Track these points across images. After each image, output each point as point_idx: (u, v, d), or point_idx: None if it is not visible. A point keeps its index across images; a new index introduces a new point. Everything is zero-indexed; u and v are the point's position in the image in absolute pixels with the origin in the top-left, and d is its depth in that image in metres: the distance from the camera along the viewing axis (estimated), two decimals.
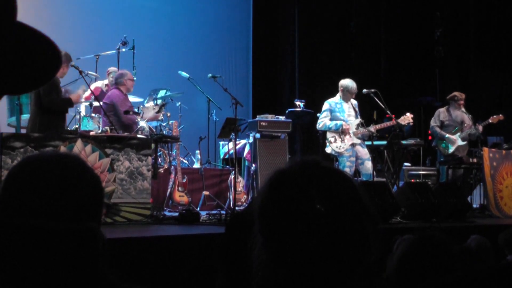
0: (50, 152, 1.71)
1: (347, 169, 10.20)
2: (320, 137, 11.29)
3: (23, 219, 1.45)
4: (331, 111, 10.48)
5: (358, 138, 10.46)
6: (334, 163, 10.52)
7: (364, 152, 10.46)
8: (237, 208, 9.59)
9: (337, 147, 10.36)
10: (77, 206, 1.55)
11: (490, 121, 11.45)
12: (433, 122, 11.68)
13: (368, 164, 10.44)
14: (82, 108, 10.32)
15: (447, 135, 11.38)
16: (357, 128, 10.42)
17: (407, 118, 10.62)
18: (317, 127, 10.66)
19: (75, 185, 1.58)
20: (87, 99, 10.35)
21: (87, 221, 1.48)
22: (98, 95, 9.97)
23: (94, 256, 1.44)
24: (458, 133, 11.36)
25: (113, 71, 10.95)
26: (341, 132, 10.37)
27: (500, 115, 11.54)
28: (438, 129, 11.51)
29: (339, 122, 10.38)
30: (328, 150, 10.52)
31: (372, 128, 10.49)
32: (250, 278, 1.59)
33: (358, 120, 10.51)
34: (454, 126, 11.47)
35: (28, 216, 1.48)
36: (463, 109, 11.51)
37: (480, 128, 11.37)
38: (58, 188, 1.55)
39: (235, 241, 2.34)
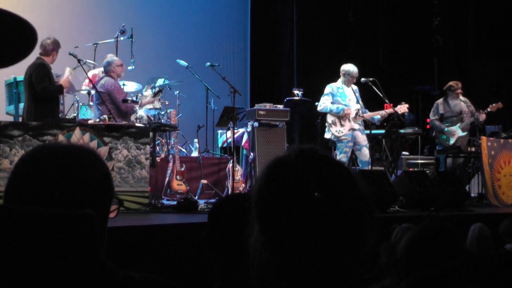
0: (64, 142, 1.72)
1: (343, 155, 10.28)
2: (318, 126, 11.30)
3: (28, 205, 1.46)
4: (333, 95, 10.50)
5: (358, 123, 10.49)
6: (332, 151, 10.56)
7: (363, 139, 10.49)
8: None
9: (336, 131, 10.38)
10: (85, 197, 1.56)
11: (489, 109, 11.41)
12: (432, 116, 11.62)
13: (365, 151, 10.46)
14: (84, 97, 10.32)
15: (446, 129, 11.32)
16: (355, 116, 10.43)
17: (402, 108, 10.64)
18: (317, 109, 10.66)
19: (86, 176, 1.59)
20: (87, 85, 10.36)
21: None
22: (96, 83, 9.95)
23: (92, 243, 1.44)
24: (458, 124, 11.32)
25: None
26: (342, 116, 10.39)
27: (499, 103, 11.50)
28: (437, 123, 11.45)
29: (341, 106, 10.41)
30: (327, 135, 10.53)
31: (367, 115, 10.52)
32: (246, 266, 1.60)
33: (359, 106, 10.53)
34: (454, 116, 11.43)
35: (35, 203, 1.49)
36: (461, 97, 11.47)
37: (483, 116, 11.31)
38: (68, 178, 1.56)
39: (220, 229, 2.35)
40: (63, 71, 9.46)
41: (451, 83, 11.64)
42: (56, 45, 9.09)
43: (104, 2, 13.95)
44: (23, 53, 1.65)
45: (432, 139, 12.27)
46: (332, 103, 10.46)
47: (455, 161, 11.45)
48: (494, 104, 11.45)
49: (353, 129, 10.43)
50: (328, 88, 10.60)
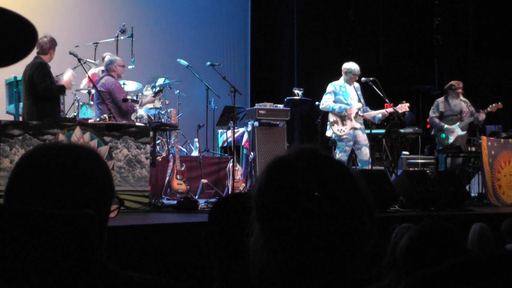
0: (64, 142, 1.72)
1: (343, 154, 10.30)
2: (319, 125, 11.29)
3: (28, 205, 1.45)
4: (335, 93, 10.49)
5: (359, 123, 10.49)
6: (332, 150, 10.57)
7: (363, 138, 10.49)
8: None
9: (338, 130, 10.38)
10: (85, 196, 1.56)
11: (489, 109, 11.40)
12: (432, 113, 11.60)
13: (366, 150, 10.46)
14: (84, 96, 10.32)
15: (446, 126, 11.31)
16: (355, 115, 10.43)
17: (403, 107, 10.65)
18: (320, 107, 10.64)
19: (86, 175, 1.59)
20: (88, 84, 10.36)
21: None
22: (96, 82, 9.94)
23: (92, 243, 1.44)
24: (457, 123, 11.31)
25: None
26: (344, 115, 10.39)
27: (499, 103, 11.49)
28: (437, 120, 11.44)
29: (343, 105, 10.41)
30: (328, 133, 10.53)
31: (367, 115, 10.53)
32: (246, 265, 1.60)
33: (360, 104, 10.53)
34: (453, 115, 11.42)
35: (35, 202, 1.49)
36: (461, 97, 11.46)
37: (483, 115, 11.28)
38: (69, 177, 1.56)
39: (220, 228, 2.35)
40: (63, 70, 9.46)
41: (452, 82, 11.62)
42: (53, 43, 9.07)
43: (104, 2, 13.95)
44: (24, 52, 1.65)
45: (432, 139, 12.26)
46: (334, 101, 10.46)
47: (455, 161, 11.44)
48: (494, 104, 11.43)
49: (354, 128, 10.43)
50: (330, 87, 10.59)
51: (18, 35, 1.60)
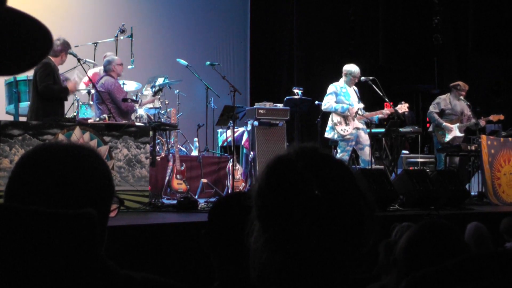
0: (64, 142, 1.72)
1: (344, 153, 10.32)
2: (318, 125, 11.29)
3: (28, 204, 1.45)
4: (337, 94, 10.53)
5: (361, 123, 10.51)
6: (331, 150, 10.58)
7: (365, 138, 10.53)
8: None
9: (341, 130, 10.40)
10: (85, 196, 1.56)
11: (490, 118, 11.50)
12: (432, 108, 11.64)
13: (368, 151, 10.50)
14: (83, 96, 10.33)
15: (444, 123, 11.35)
16: (355, 115, 10.44)
17: (403, 107, 10.67)
18: (322, 108, 10.68)
19: (86, 175, 1.59)
20: (85, 84, 10.35)
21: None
22: (96, 82, 9.94)
23: (92, 242, 1.44)
24: (457, 124, 11.34)
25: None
26: (346, 115, 10.41)
27: (501, 115, 11.59)
28: (436, 116, 11.48)
29: (345, 105, 10.43)
30: (329, 135, 10.53)
31: (367, 115, 10.55)
32: (246, 265, 1.60)
33: (361, 105, 10.56)
34: (454, 115, 11.45)
35: (35, 202, 1.49)
36: (462, 98, 11.49)
37: (483, 122, 11.39)
38: (69, 177, 1.56)
39: (220, 227, 2.35)
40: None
41: (460, 82, 11.69)
42: (65, 47, 9.06)
43: (104, 2, 13.93)
44: (38, 58, 1.60)
45: (431, 137, 12.26)
46: (336, 102, 10.48)
47: (453, 160, 11.46)
48: (495, 115, 11.53)
49: (357, 128, 10.47)
50: (332, 87, 10.62)
51: (33, 41, 1.56)
